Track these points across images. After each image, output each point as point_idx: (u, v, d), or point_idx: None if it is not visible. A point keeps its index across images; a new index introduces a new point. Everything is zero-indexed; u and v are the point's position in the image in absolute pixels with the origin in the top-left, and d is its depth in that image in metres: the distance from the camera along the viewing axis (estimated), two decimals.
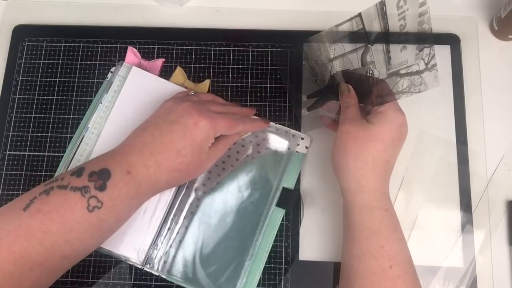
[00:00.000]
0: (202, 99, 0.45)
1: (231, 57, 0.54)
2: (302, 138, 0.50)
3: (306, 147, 0.50)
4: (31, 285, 0.36)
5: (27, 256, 0.35)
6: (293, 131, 0.50)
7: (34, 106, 0.53)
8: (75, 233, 0.36)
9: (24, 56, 0.54)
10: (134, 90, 0.50)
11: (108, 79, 0.52)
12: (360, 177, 0.41)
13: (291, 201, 0.48)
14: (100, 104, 0.50)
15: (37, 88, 0.53)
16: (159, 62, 0.53)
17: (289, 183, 0.49)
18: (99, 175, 0.38)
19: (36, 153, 0.51)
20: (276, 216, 0.48)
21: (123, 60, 0.53)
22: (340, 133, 0.43)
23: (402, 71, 0.49)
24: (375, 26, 0.50)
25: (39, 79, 0.54)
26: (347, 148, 0.41)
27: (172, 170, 0.40)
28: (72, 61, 0.54)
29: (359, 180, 0.41)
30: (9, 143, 0.52)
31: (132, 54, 0.53)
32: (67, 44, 0.55)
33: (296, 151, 0.50)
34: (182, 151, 0.40)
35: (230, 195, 0.48)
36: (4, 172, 0.51)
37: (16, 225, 0.35)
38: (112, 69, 0.53)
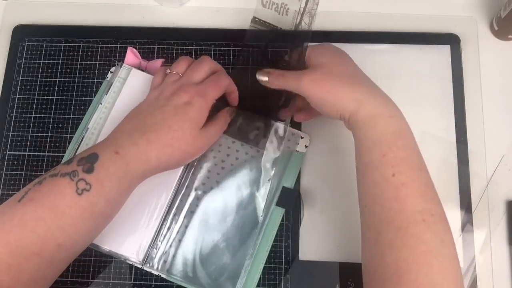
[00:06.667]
0: (179, 72, 0.45)
1: (231, 57, 0.54)
2: (302, 137, 0.50)
3: (306, 146, 0.50)
4: (31, 277, 0.36)
5: (23, 246, 0.35)
6: (292, 130, 0.50)
7: (34, 106, 0.53)
8: (67, 218, 0.37)
9: (24, 56, 0.54)
10: (133, 92, 0.50)
11: (107, 79, 0.52)
12: (356, 94, 0.40)
13: (291, 200, 0.48)
14: (100, 105, 0.50)
15: (37, 88, 0.53)
16: (159, 62, 0.53)
17: (289, 182, 0.49)
18: (87, 159, 0.38)
19: (36, 153, 0.51)
20: (276, 215, 0.48)
21: (123, 61, 0.53)
22: (307, 89, 0.42)
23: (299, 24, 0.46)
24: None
25: (39, 79, 0.54)
26: (325, 88, 0.41)
27: (164, 146, 0.40)
28: (72, 61, 0.54)
29: (357, 97, 0.40)
30: (9, 143, 0.52)
31: (131, 54, 0.53)
32: (67, 44, 0.55)
33: (296, 150, 0.50)
34: (173, 126, 0.40)
35: (230, 194, 0.48)
36: (4, 172, 0.51)
37: (10, 216, 0.36)
38: (112, 69, 0.53)
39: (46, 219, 0.36)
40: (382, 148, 0.38)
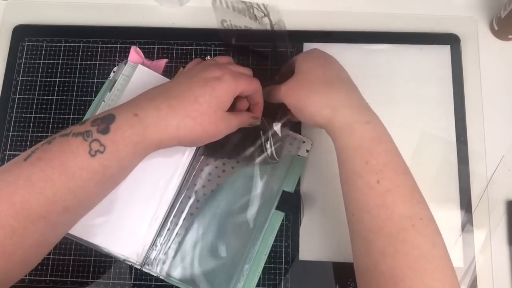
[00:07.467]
0: (218, 62, 0.44)
1: (231, 57, 0.54)
2: (303, 142, 0.50)
3: (307, 151, 0.50)
4: (35, 242, 0.34)
5: (29, 208, 0.33)
6: (294, 135, 0.50)
7: (34, 106, 0.53)
8: (77, 180, 0.35)
9: (24, 56, 0.54)
10: (138, 89, 0.49)
11: (110, 79, 0.52)
12: (330, 100, 0.39)
13: (291, 205, 0.48)
14: (103, 102, 0.50)
15: (37, 88, 0.53)
16: (162, 62, 0.53)
17: (290, 187, 0.49)
18: (102, 120, 0.36)
19: None
20: (275, 219, 0.48)
21: (126, 59, 0.53)
22: (284, 97, 0.42)
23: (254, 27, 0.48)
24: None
25: (39, 79, 0.54)
26: (298, 95, 0.41)
27: (186, 116, 0.38)
28: (72, 61, 0.54)
29: (330, 104, 0.39)
30: (9, 143, 0.52)
31: (135, 53, 0.53)
32: (67, 44, 0.55)
33: (298, 155, 0.50)
34: (200, 98, 0.38)
35: (230, 197, 0.48)
36: None
37: (16, 175, 0.34)
38: (115, 69, 0.53)
39: (55, 180, 0.34)
40: (364, 155, 0.37)
